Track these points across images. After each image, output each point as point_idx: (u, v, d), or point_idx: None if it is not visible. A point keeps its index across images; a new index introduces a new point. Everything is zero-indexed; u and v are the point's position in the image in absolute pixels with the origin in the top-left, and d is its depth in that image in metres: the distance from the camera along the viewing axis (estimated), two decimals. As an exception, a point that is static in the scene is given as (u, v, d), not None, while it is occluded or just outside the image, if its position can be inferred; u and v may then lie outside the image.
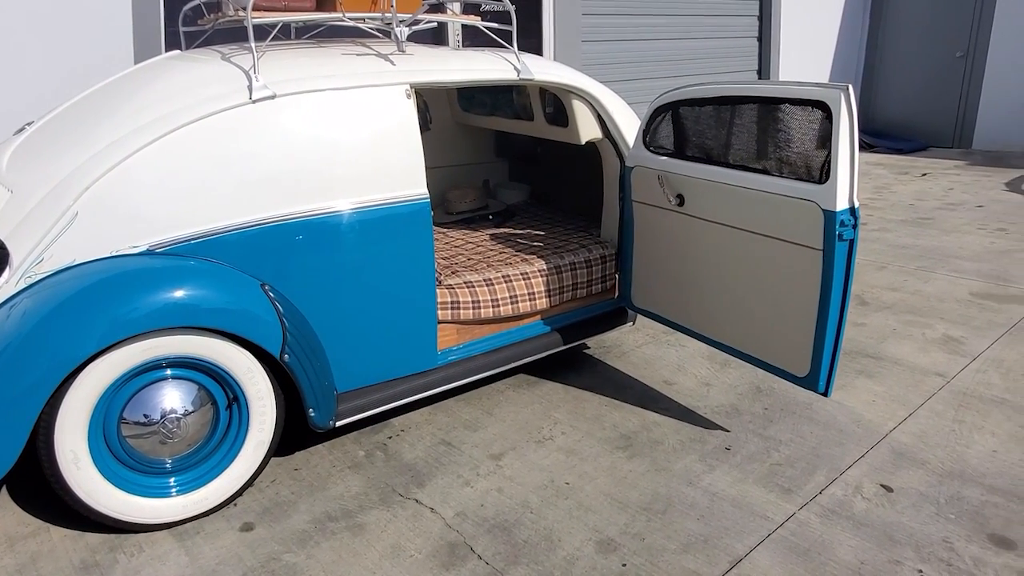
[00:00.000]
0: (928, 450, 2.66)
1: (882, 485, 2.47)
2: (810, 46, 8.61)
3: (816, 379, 2.48)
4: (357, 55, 2.55)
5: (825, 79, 9.03)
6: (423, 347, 2.73)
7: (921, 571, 2.08)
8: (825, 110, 2.30)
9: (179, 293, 2.12)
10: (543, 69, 2.93)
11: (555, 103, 3.27)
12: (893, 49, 9.37)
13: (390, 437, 2.84)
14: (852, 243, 2.33)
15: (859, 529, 2.26)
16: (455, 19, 2.91)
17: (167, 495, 2.25)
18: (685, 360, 3.45)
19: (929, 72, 9.10)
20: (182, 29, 2.91)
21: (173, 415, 2.23)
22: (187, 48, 2.89)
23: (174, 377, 2.23)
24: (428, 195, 2.59)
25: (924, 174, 7.69)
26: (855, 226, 2.31)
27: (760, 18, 7.64)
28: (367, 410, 2.60)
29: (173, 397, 2.23)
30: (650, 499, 2.44)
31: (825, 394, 2.50)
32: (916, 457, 2.62)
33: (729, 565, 2.13)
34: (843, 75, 9.28)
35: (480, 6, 3.09)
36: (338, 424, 2.54)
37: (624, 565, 2.14)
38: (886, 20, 9.37)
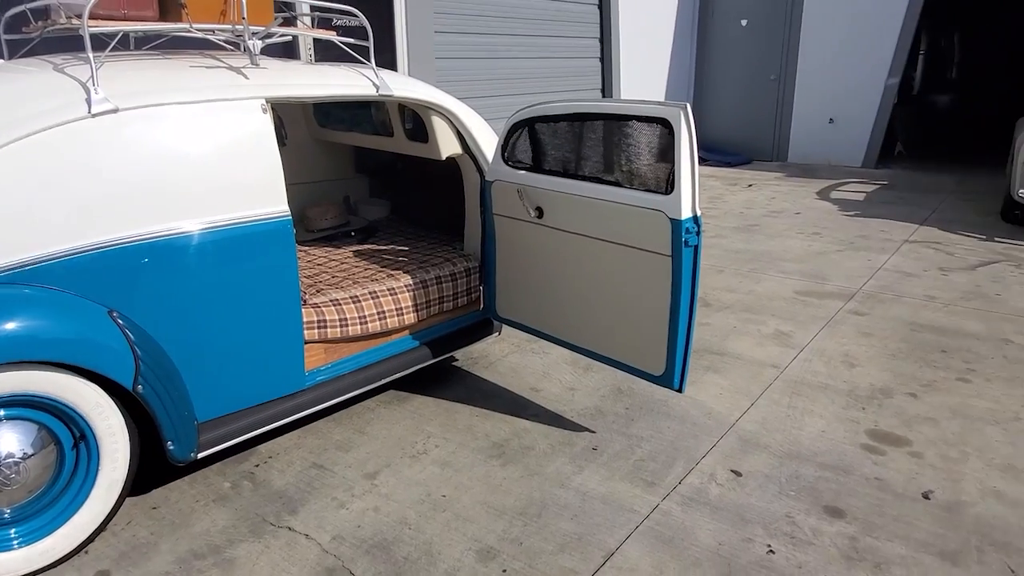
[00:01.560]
0: (769, 435, 2.94)
1: (732, 470, 2.70)
2: (646, 67, 9.23)
3: (671, 377, 2.66)
4: (208, 68, 2.44)
5: (661, 98, 9.70)
6: (289, 369, 2.64)
7: (770, 546, 2.29)
8: (667, 126, 2.48)
9: (10, 325, 1.93)
10: (402, 85, 2.95)
11: (414, 119, 3.29)
12: (718, 72, 10.25)
13: (257, 465, 2.72)
14: (696, 249, 2.53)
15: (715, 513, 2.45)
16: (310, 33, 2.86)
17: (7, 548, 2.03)
18: (550, 367, 3.58)
19: (749, 93, 10.04)
20: (4, 37, 2.65)
21: (9, 460, 2.01)
22: (11, 58, 2.63)
23: (9, 418, 2.02)
24: (289, 212, 2.52)
25: (750, 185, 8.45)
26: (698, 233, 2.51)
27: (601, 40, 8.10)
28: (232, 439, 2.48)
29: (9, 440, 2.02)
30: (525, 504, 2.50)
31: (680, 390, 2.69)
32: (759, 442, 2.88)
33: (603, 559, 2.24)
34: (676, 94, 10.01)
35: (332, 20, 3.06)
36: (200, 456, 2.40)
37: (504, 571, 2.18)
38: (710, 46, 10.24)
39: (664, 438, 2.92)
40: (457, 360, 3.65)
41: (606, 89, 8.24)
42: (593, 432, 2.97)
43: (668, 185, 2.49)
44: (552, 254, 2.92)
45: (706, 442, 2.89)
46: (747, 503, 2.50)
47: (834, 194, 7.83)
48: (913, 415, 3.08)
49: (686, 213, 2.47)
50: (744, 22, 9.86)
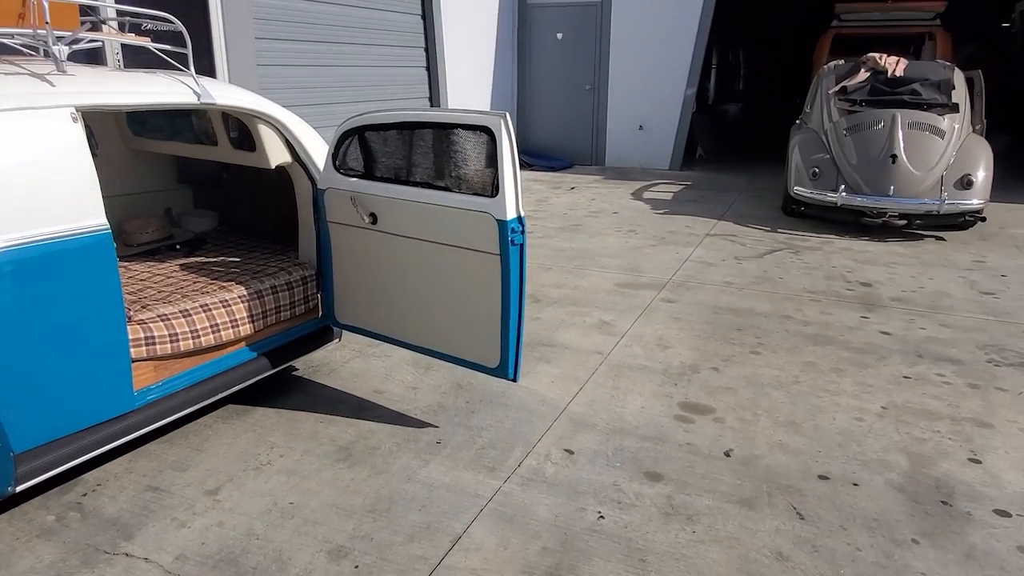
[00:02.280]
0: (596, 415, 3.22)
1: (566, 450, 2.94)
2: (472, 77, 9.52)
3: (506, 368, 2.85)
4: (8, 75, 2.29)
5: (487, 107, 10.05)
6: (116, 390, 2.53)
7: (600, 512, 2.54)
8: (489, 134, 2.66)
9: None
10: (225, 93, 2.91)
11: (240, 127, 3.24)
12: (539, 82, 10.79)
13: (85, 494, 2.57)
14: (522, 247, 2.74)
15: (552, 489, 2.67)
16: (124, 39, 2.74)
17: None
18: (392, 369, 3.66)
19: (568, 102, 10.66)
20: None
21: None
22: None
23: None
24: (108, 225, 2.42)
25: (572, 188, 8.98)
26: (523, 232, 2.72)
27: (426, 50, 8.26)
28: (54, 468, 2.34)
29: None
30: (374, 501, 2.58)
31: (514, 380, 2.89)
32: (588, 422, 3.16)
33: (451, 543, 2.37)
34: (501, 104, 10.40)
35: (142, 25, 2.95)
36: (19, 489, 2.24)
37: (357, 567, 2.25)
38: (531, 57, 10.75)
39: (503, 426, 3.11)
40: (298, 369, 3.63)
41: (434, 97, 8.41)
42: (436, 427, 3.10)
43: (493, 188, 2.68)
44: (388, 258, 3.01)
45: (541, 426, 3.11)
46: (579, 477, 2.75)
47: (646, 194, 8.54)
48: (716, 386, 3.50)
49: (511, 214, 2.66)
50: (560, 35, 10.46)
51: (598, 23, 10.16)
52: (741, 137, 12.94)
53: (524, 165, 10.43)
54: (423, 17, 8.07)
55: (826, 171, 6.57)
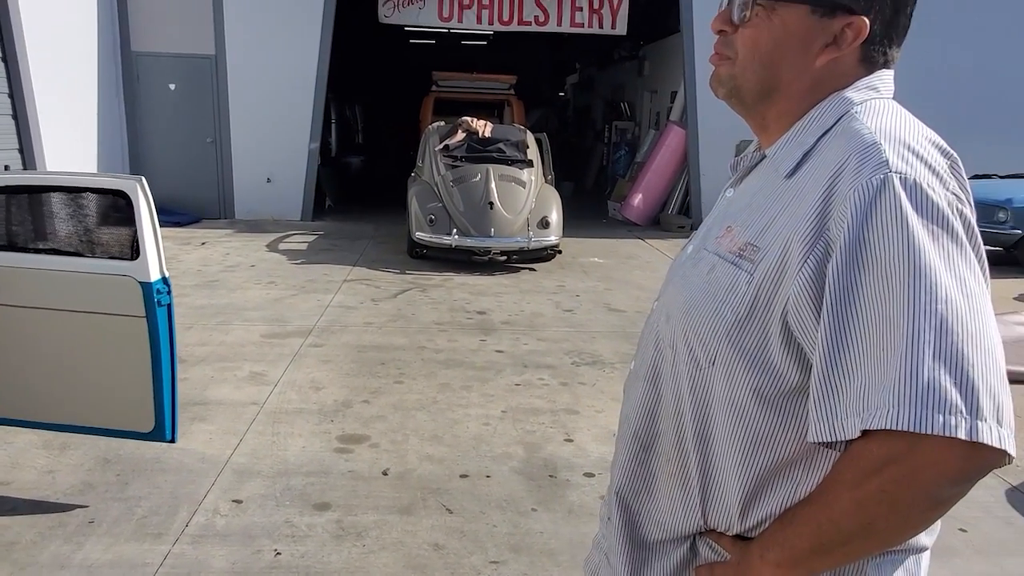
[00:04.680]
0: (260, 462, 3.35)
1: (234, 500, 3.02)
2: (73, 127, 8.56)
3: (163, 430, 2.84)
4: None
5: (93, 162, 9.11)
6: None
7: (276, 549, 2.71)
8: (125, 198, 2.67)
9: None
10: None
11: None
12: (155, 134, 10.14)
13: None
14: (170, 307, 2.79)
15: (225, 540, 2.75)
16: None
17: None
18: (18, 455, 3.28)
19: (189, 154, 10.22)
20: None
21: None
22: None
23: None
24: None
25: (203, 243, 8.67)
26: (169, 292, 2.78)
27: (11, 96, 7.25)
28: None
29: None
30: (21, 598, 2.38)
31: (173, 441, 2.89)
32: (253, 470, 3.27)
33: (123, 617, 2.32)
34: (110, 158, 9.51)
35: None
36: None
37: (11, 670, 2.09)
38: (142, 108, 10.06)
39: (163, 491, 3.06)
40: None
41: (25, 149, 7.39)
42: (86, 507, 2.91)
43: (133, 251, 2.69)
44: (9, 333, 2.77)
45: (205, 484, 3.14)
46: (251, 522, 2.87)
47: (282, 246, 8.66)
48: (368, 416, 3.89)
49: (155, 275, 2.71)
50: (172, 86, 10.02)
51: (213, 76, 10.00)
52: (364, 187, 13.76)
53: (141, 220, 9.65)
54: (3, 60, 7.10)
55: (440, 217, 7.52)
